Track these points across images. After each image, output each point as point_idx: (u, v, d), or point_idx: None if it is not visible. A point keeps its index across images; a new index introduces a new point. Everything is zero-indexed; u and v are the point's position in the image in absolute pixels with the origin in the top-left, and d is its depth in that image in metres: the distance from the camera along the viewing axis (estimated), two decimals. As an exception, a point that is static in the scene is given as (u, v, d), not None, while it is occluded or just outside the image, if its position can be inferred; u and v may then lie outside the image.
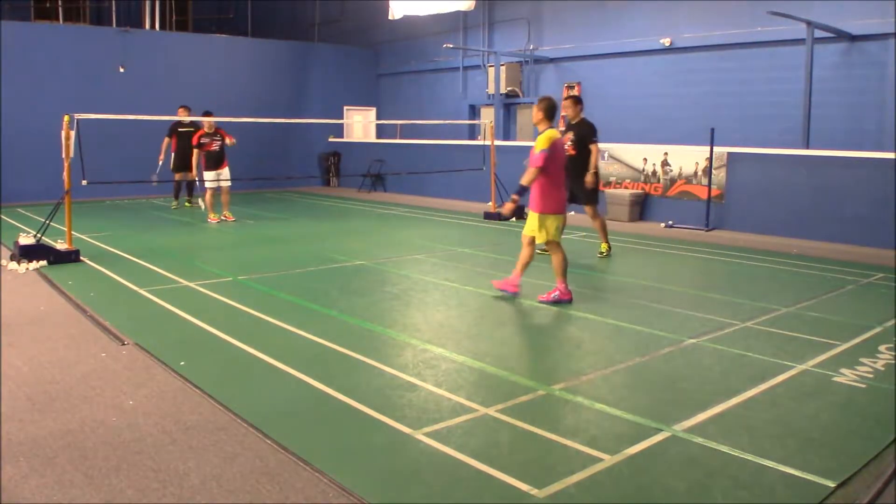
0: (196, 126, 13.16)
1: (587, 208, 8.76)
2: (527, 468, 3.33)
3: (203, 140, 11.75)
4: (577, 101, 8.71)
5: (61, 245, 8.39)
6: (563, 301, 6.53)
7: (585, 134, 8.49)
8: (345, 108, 20.17)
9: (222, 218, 12.02)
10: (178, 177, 13.52)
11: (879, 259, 9.05)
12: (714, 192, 11.73)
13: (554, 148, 6.32)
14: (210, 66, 17.76)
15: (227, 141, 11.90)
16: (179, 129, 13.24)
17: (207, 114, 12.10)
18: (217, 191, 12.01)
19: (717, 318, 6.05)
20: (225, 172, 11.91)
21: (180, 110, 13.14)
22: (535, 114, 6.54)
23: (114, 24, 18.07)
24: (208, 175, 11.82)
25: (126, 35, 16.54)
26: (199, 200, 13.06)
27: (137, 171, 14.83)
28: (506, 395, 4.25)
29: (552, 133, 6.37)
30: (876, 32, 11.38)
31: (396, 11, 17.41)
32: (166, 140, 13.43)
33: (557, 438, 3.65)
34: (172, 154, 13.43)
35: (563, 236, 6.67)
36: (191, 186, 13.95)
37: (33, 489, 3.12)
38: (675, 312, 6.29)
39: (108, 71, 16.14)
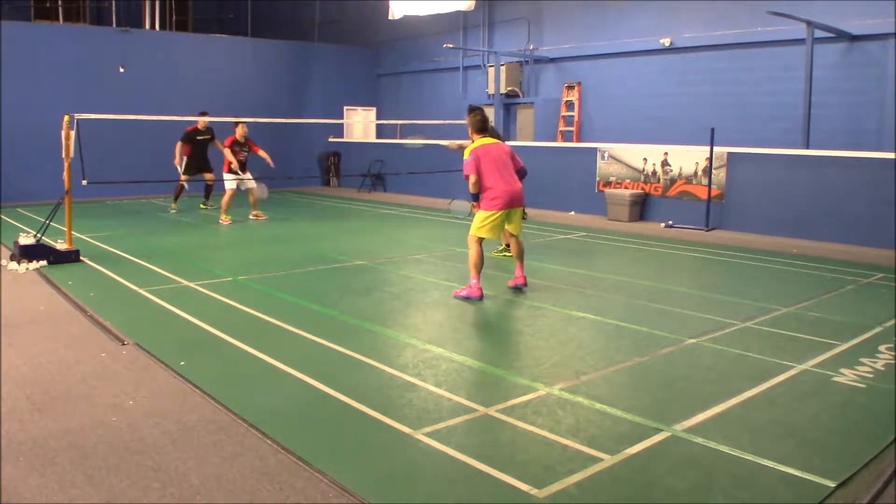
0: (212, 133, 13.15)
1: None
2: (527, 468, 3.33)
3: (234, 148, 11.91)
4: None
5: (61, 245, 8.39)
6: (471, 298, 6.62)
7: None
8: (345, 108, 20.18)
9: (252, 217, 12.30)
10: (183, 179, 13.41)
11: (879, 259, 9.05)
12: (714, 192, 11.73)
13: (477, 154, 6.59)
14: (210, 66, 17.76)
15: (262, 154, 12.11)
16: (197, 138, 13.12)
17: (237, 118, 12.14)
18: (239, 192, 12.22)
19: (717, 318, 6.05)
20: (248, 175, 12.20)
21: (201, 119, 12.98)
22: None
23: (114, 24, 18.06)
24: (228, 176, 11.94)
25: (126, 35, 16.54)
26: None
27: (137, 171, 14.86)
28: (506, 395, 4.25)
29: (478, 142, 6.71)
30: (876, 32, 11.38)
31: (396, 11, 17.41)
32: (179, 145, 13.28)
33: (557, 438, 3.65)
34: (185, 157, 13.33)
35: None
36: (209, 190, 14.02)
37: (33, 489, 3.12)
38: (675, 312, 6.29)
39: (108, 71, 16.13)
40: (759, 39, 12.75)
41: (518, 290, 7.00)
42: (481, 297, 6.64)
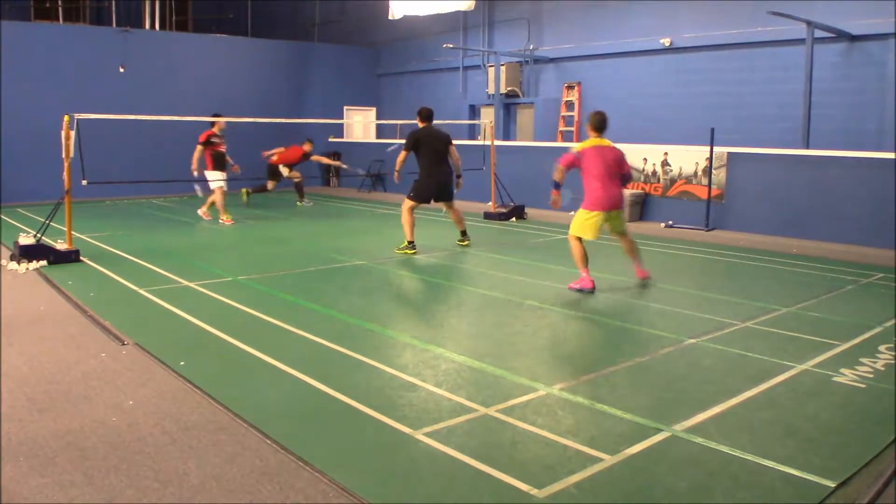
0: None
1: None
2: (527, 468, 3.33)
3: (214, 140, 11.66)
4: (419, 114, 9.89)
5: (61, 245, 8.39)
6: (584, 290, 6.95)
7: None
8: (345, 108, 20.17)
9: (205, 217, 12.18)
10: (271, 185, 14.47)
11: (879, 259, 9.05)
12: (714, 192, 11.73)
13: (584, 154, 6.98)
14: (210, 66, 17.76)
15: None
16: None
17: (217, 115, 12.08)
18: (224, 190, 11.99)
19: (717, 318, 6.05)
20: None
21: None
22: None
23: (114, 24, 18.07)
24: (215, 175, 11.72)
25: (126, 35, 16.54)
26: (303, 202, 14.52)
27: (137, 171, 14.87)
28: (506, 395, 4.25)
29: (592, 142, 7.06)
30: (876, 32, 11.39)
31: (396, 11, 17.42)
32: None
33: (557, 438, 3.65)
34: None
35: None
36: (300, 188, 14.71)
37: (33, 489, 3.12)
38: (675, 312, 6.30)
39: (108, 71, 16.13)
40: (759, 39, 12.76)
41: (644, 283, 7.30)
42: (593, 289, 6.93)
